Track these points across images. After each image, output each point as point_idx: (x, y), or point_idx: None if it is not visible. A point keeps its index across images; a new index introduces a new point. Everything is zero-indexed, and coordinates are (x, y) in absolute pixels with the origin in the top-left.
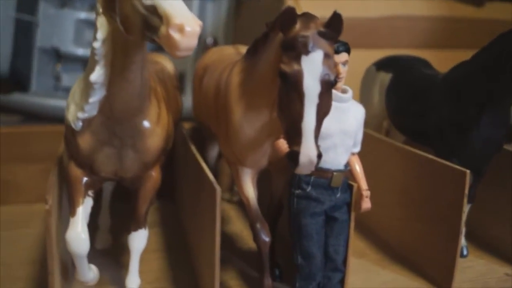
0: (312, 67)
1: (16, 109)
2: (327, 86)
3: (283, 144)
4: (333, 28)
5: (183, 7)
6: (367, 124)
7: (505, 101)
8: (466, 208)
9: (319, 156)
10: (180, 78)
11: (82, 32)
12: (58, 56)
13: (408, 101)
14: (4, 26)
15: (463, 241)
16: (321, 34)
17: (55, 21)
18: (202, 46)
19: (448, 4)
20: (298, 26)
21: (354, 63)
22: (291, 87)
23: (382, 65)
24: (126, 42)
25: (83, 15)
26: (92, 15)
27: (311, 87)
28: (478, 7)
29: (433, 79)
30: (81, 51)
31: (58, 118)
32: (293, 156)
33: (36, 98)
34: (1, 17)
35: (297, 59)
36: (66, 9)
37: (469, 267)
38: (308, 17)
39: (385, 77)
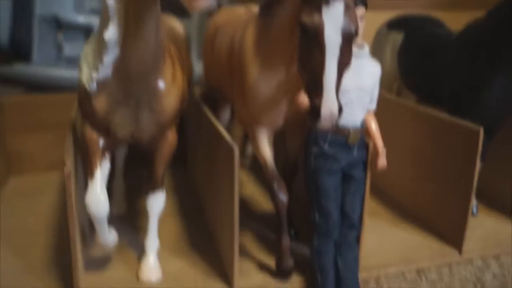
0: (333, 19)
1: (18, 80)
2: (348, 38)
3: (304, 99)
4: None
5: None
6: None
7: None
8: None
9: (340, 109)
10: None
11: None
12: (58, 24)
13: (421, 60)
14: None
15: (473, 199)
16: None
17: None
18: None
19: None
20: None
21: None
22: (312, 40)
23: (394, 24)
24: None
25: None
26: None
27: (332, 39)
28: None
29: (446, 39)
30: (82, 19)
31: (61, 88)
32: (315, 109)
33: (38, 68)
34: None
35: (318, 11)
36: None
37: (479, 224)
38: None
39: (397, 37)
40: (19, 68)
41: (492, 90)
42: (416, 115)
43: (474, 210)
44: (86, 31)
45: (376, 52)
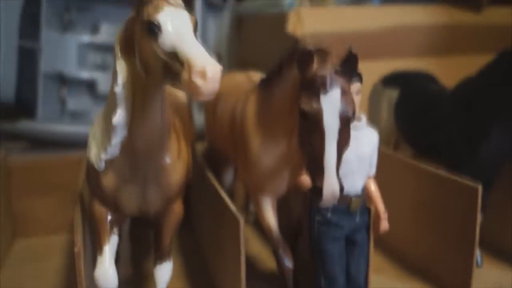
0: (331, 105)
1: (23, 136)
2: (346, 122)
3: (306, 180)
4: (348, 65)
5: (203, 52)
6: None
7: None
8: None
9: (342, 189)
10: None
11: (85, 55)
12: (62, 80)
13: (418, 116)
14: (7, 54)
15: (477, 251)
16: (337, 72)
17: (58, 46)
18: None
19: (447, 11)
20: (315, 66)
21: None
22: (312, 125)
23: (388, 81)
24: (146, 84)
25: (86, 38)
26: (94, 38)
27: (331, 124)
28: (477, 12)
29: (441, 94)
30: (85, 74)
31: (65, 143)
32: (317, 191)
33: (42, 124)
34: (4, 45)
35: (316, 98)
36: (68, 33)
37: (483, 276)
38: (324, 55)
39: (393, 94)
40: (24, 124)
41: (488, 142)
42: (415, 171)
43: (479, 261)
44: (89, 86)
45: (373, 108)
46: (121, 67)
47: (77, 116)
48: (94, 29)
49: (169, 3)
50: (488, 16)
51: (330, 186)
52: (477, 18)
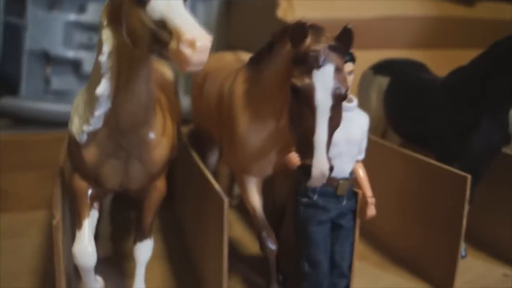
0: (323, 81)
1: (5, 113)
2: (338, 99)
3: (294, 157)
4: (343, 42)
5: (193, 21)
6: None
7: (503, 105)
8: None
9: (331, 169)
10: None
11: (71, 34)
12: (47, 59)
13: (407, 105)
14: None
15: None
16: (331, 48)
17: (44, 24)
18: None
19: (440, 4)
20: (308, 40)
21: None
22: (303, 101)
23: (379, 69)
24: (132, 55)
25: (72, 17)
26: (81, 17)
27: (323, 101)
28: (469, 6)
29: (432, 84)
30: (70, 54)
31: (48, 121)
32: (306, 169)
33: (26, 101)
34: None
35: (309, 73)
36: (54, 11)
37: (468, 268)
38: (318, 30)
39: (383, 81)
40: (7, 101)
41: (477, 133)
42: (404, 160)
43: (463, 253)
44: (74, 65)
45: (362, 95)
46: (107, 36)
47: (61, 95)
48: (81, 8)
49: None
50: (480, 10)
51: (320, 164)
52: (469, 11)
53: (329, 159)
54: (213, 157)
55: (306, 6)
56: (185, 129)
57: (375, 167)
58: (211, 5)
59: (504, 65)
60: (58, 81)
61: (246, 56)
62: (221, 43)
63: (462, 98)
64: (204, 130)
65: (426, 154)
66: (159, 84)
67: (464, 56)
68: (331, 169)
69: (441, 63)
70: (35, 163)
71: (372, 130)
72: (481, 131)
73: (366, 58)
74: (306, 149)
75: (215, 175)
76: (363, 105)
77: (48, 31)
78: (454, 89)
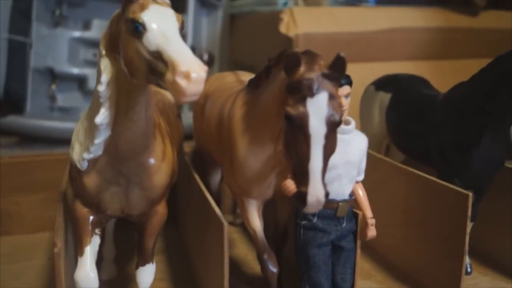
0: (317, 109)
1: (11, 131)
2: (333, 127)
3: (290, 184)
4: (336, 69)
5: (188, 52)
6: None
7: (505, 120)
8: (469, 227)
9: (327, 195)
10: None
11: (76, 51)
12: (52, 76)
13: (409, 121)
14: None
15: (466, 258)
16: (325, 75)
17: (49, 41)
18: None
19: (444, 15)
20: (302, 68)
21: (353, 77)
22: (297, 129)
23: (381, 84)
24: (131, 84)
25: (76, 34)
26: (86, 33)
27: (317, 129)
28: (473, 16)
29: (433, 100)
30: (76, 70)
31: (54, 139)
32: (301, 196)
33: (31, 120)
34: None
35: (303, 102)
36: (59, 29)
37: (473, 284)
38: (311, 57)
39: (385, 97)
40: (13, 119)
41: (479, 150)
42: (406, 176)
43: (468, 269)
44: (80, 82)
45: (364, 110)
46: (105, 66)
47: (66, 112)
48: (86, 25)
49: (155, 1)
50: (485, 20)
51: (315, 192)
52: (473, 21)
53: (325, 186)
54: (217, 176)
55: (309, 20)
56: (189, 145)
57: (378, 184)
58: (215, 19)
59: (505, 80)
60: (64, 98)
61: (246, 77)
62: (225, 58)
63: (463, 114)
64: (205, 149)
65: (429, 170)
66: (159, 108)
67: (470, 66)
68: (327, 195)
69: (446, 73)
70: (39, 184)
71: (375, 146)
72: (483, 147)
73: (369, 70)
74: (301, 176)
75: (219, 194)
76: (365, 120)
77: (53, 48)
78: (454, 105)
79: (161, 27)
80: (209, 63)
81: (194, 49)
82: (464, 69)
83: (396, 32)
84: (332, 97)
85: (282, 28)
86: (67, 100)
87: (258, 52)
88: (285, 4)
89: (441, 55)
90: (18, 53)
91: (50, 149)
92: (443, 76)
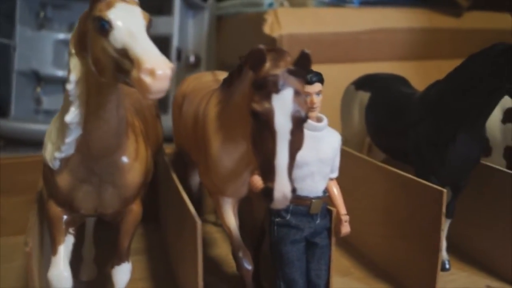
0: (282, 105)
1: None
2: (299, 123)
3: (257, 180)
4: (301, 66)
5: (153, 50)
6: (348, 142)
7: (479, 118)
8: (446, 224)
9: (293, 191)
10: (165, 98)
11: (61, 54)
12: (37, 78)
13: (387, 120)
14: None
15: (444, 254)
16: (290, 72)
17: (33, 43)
18: (185, 64)
19: (427, 15)
20: (267, 65)
21: (337, 77)
22: (263, 125)
23: (360, 84)
24: (100, 83)
25: (61, 36)
26: (70, 35)
27: (282, 125)
28: (457, 17)
29: (409, 98)
30: (61, 73)
31: (40, 142)
32: (268, 192)
33: (16, 123)
34: None
35: (268, 98)
36: (43, 31)
37: (451, 280)
38: (278, 54)
39: (364, 96)
40: None
41: (455, 147)
42: (384, 174)
43: (447, 265)
44: (65, 84)
45: (345, 110)
46: (74, 65)
47: (52, 115)
48: (71, 27)
49: (123, 0)
50: (468, 21)
51: (281, 188)
52: (457, 22)
53: (292, 182)
54: (197, 177)
55: (293, 21)
56: (170, 147)
57: (358, 183)
58: (201, 21)
59: (478, 79)
60: (49, 101)
61: (223, 76)
62: (212, 59)
63: (438, 112)
64: (184, 150)
65: (408, 168)
66: (135, 108)
67: (453, 66)
68: (294, 191)
69: (430, 74)
70: (20, 186)
71: (356, 145)
72: (458, 144)
73: (354, 70)
74: (268, 172)
75: (200, 194)
76: (346, 120)
77: (38, 51)
78: (430, 103)
79: (127, 25)
80: (196, 64)
81: (180, 50)
82: (447, 70)
83: (380, 33)
84: (297, 93)
85: (266, 29)
86: (53, 102)
87: (244, 53)
88: (271, 5)
89: (425, 56)
90: (2, 55)
91: (34, 153)
92: (427, 76)
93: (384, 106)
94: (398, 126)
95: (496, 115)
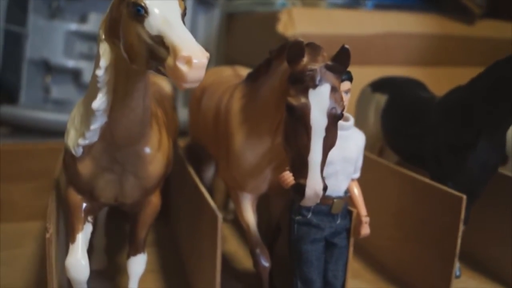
0: (319, 101)
1: (5, 122)
2: (334, 119)
3: (288, 177)
4: (340, 62)
5: (190, 38)
6: None
7: (501, 125)
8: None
9: (325, 189)
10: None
11: (72, 44)
12: (47, 68)
13: (404, 123)
14: None
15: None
16: (328, 67)
17: (45, 33)
18: None
19: (440, 22)
20: (305, 59)
21: None
22: (298, 120)
23: (377, 86)
24: (130, 70)
25: (73, 26)
26: (82, 27)
27: (318, 121)
28: (470, 24)
29: (429, 103)
30: (71, 63)
31: (48, 131)
32: (299, 189)
33: (25, 110)
34: None
35: (305, 93)
36: (56, 21)
37: (462, 287)
38: (315, 49)
39: (381, 99)
40: (6, 110)
41: (473, 153)
42: (400, 178)
43: (457, 272)
44: (74, 75)
45: (360, 112)
46: (104, 50)
47: (60, 105)
48: (83, 18)
49: None
50: (481, 29)
51: (314, 184)
52: (469, 30)
53: (323, 179)
54: (210, 172)
55: (307, 21)
56: (183, 142)
57: (371, 185)
58: (211, 18)
59: (504, 85)
60: (58, 91)
61: (244, 71)
62: (221, 56)
63: (459, 118)
64: (200, 144)
65: (422, 173)
66: (156, 99)
67: (464, 74)
68: (325, 189)
69: (440, 81)
70: (32, 173)
71: (369, 147)
72: (477, 151)
73: (364, 74)
74: (300, 168)
75: (211, 190)
76: (360, 122)
77: (49, 40)
78: (451, 109)
79: (163, 11)
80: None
81: None
82: (458, 77)
83: (392, 37)
84: (334, 90)
85: (280, 28)
86: (62, 92)
87: (254, 51)
88: (283, 4)
89: (435, 62)
90: (13, 43)
91: (42, 141)
92: (437, 82)
93: (402, 109)
94: (416, 130)
95: None
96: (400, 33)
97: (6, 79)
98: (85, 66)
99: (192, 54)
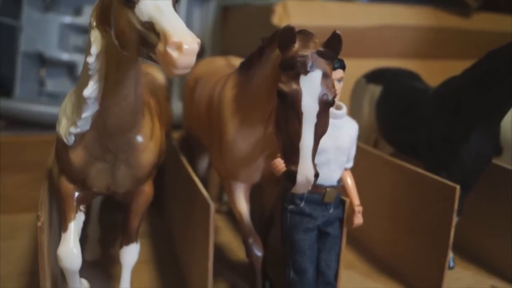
0: (310, 87)
1: None
2: (325, 106)
3: (280, 163)
4: (331, 48)
5: (181, 24)
6: None
7: (494, 116)
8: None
9: (316, 175)
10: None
11: (66, 37)
12: (42, 61)
13: (398, 114)
14: None
15: (450, 253)
16: (320, 53)
17: (39, 26)
18: None
19: (436, 14)
20: (297, 45)
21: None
22: (289, 106)
23: (372, 77)
24: (121, 57)
25: (67, 19)
26: (77, 19)
27: (309, 107)
28: (465, 17)
29: (423, 93)
30: (65, 56)
31: (42, 124)
32: (291, 175)
33: (19, 103)
34: None
35: (296, 79)
36: (50, 14)
37: (456, 279)
38: (306, 36)
39: (375, 90)
40: (1, 103)
41: (467, 144)
42: (393, 169)
43: (451, 263)
44: (69, 68)
45: (354, 103)
46: (96, 37)
47: (55, 98)
48: (77, 11)
49: None
50: (476, 22)
51: (305, 171)
52: (464, 22)
53: (315, 166)
54: (203, 163)
55: (302, 13)
56: (177, 134)
57: (364, 176)
58: (207, 11)
59: (496, 76)
60: (53, 84)
61: (237, 61)
62: (217, 49)
63: (453, 109)
64: (194, 135)
65: (417, 163)
66: (149, 88)
67: (459, 67)
68: (317, 176)
69: (435, 73)
70: (26, 165)
71: (363, 138)
72: (472, 141)
73: (360, 66)
74: (292, 155)
75: (205, 182)
76: (355, 113)
77: (44, 33)
78: (445, 99)
79: None
80: (200, 53)
81: None
82: (454, 70)
83: (387, 29)
84: (326, 76)
85: (275, 20)
86: (56, 85)
87: (250, 44)
88: None
89: (431, 54)
90: (8, 36)
91: (36, 133)
92: (433, 75)
93: (397, 100)
94: (411, 121)
95: (508, 115)
96: (396, 25)
97: (1, 72)
98: (79, 59)
99: (182, 40)
